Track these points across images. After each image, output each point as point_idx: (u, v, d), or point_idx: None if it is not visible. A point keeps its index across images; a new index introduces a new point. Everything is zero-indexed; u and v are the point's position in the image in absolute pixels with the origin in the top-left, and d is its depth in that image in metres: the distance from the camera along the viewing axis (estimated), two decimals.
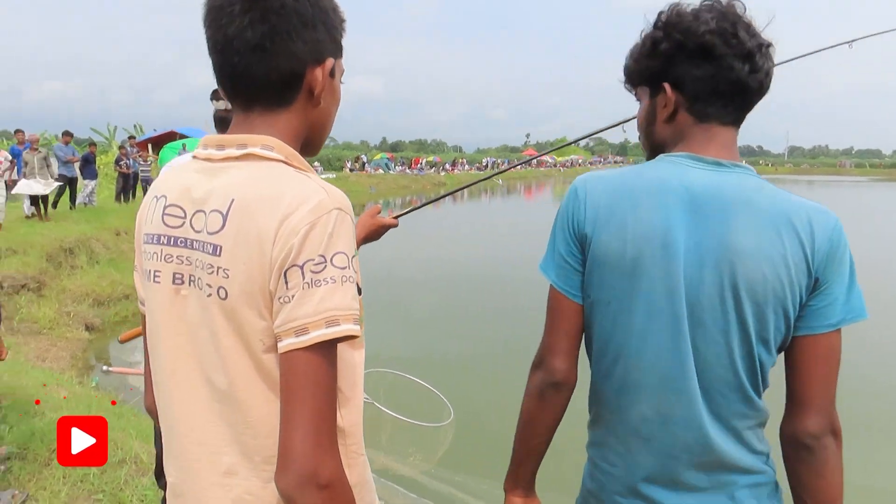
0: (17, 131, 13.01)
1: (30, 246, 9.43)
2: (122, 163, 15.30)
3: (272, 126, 0.94)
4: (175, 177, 0.98)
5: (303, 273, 0.83)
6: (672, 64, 1.10)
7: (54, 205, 12.61)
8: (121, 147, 16.63)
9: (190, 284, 0.93)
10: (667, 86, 1.11)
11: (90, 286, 9.40)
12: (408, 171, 42.73)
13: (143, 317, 1.07)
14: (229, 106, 1.87)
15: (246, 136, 0.92)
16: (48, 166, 11.78)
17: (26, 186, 11.13)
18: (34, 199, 11.55)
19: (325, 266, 0.84)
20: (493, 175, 2.68)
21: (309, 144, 1.01)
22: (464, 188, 2.22)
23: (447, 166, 50.41)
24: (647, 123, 1.18)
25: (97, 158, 14.85)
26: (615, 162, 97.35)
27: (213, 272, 0.89)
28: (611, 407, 1.16)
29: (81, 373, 7.13)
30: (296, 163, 0.93)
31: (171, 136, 28.69)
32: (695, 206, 1.06)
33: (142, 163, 16.28)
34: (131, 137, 18.18)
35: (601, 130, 1.96)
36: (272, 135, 0.93)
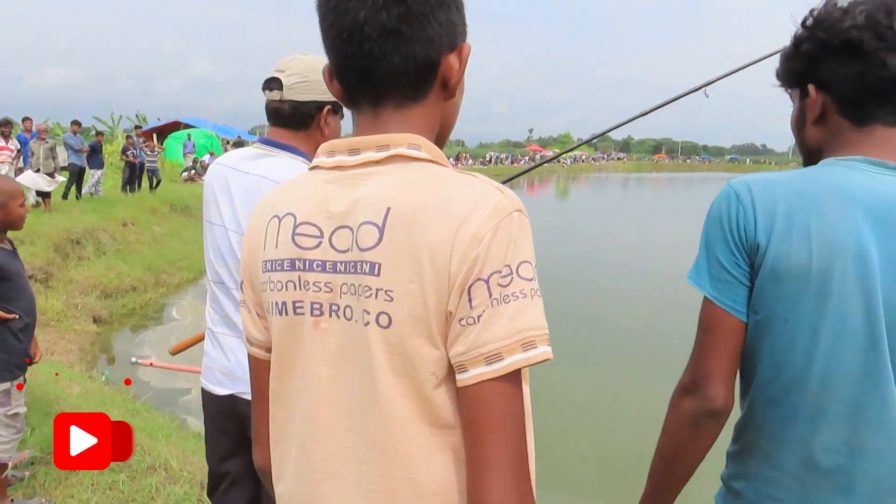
0: (24, 119, 12.87)
1: (37, 236, 9.30)
2: (128, 152, 15.12)
3: (406, 124, 0.80)
4: (299, 191, 0.84)
5: (489, 288, 0.70)
6: (816, 64, 1.03)
7: (64, 195, 12.48)
8: (128, 137, 16.47)
9: (331, 315, 0.79)
10: (811, 88, 1.04)
11: (97, 278, 9.29)
12: None
13: (253, 359, 0.92)
14: (284, 97, 1.75)
15: (386, 135, 0.78)
16: (54, 157, 11.63)
17: (31, 181, 10.95)
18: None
19: (513, 278, 0.71)
20: (551, 160, 2.58)
21: (437, 143, 0.86)
22: (527, 171, 2.06)
23: (451, 161, 50.14)
24: (798, 127, 1.11)
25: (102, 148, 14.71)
26: (618, 158, 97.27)
27: (371, 295, 0.74)
28: (776, 436, 1.03)
29: (90, 366, 7.03)
30: (444, 162, 0.79)
31: (175, 126, 28.59)
32: (885, 216, 0.95)
33: (148, 153, 16.11)
34: (137, 127, 18.05)
35: (679, 97, 1.83)
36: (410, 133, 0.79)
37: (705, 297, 1.05)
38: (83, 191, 13.30)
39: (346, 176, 0.80)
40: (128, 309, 9.11)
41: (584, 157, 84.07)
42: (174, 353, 2.32)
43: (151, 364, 5.07)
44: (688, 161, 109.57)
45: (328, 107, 1.71)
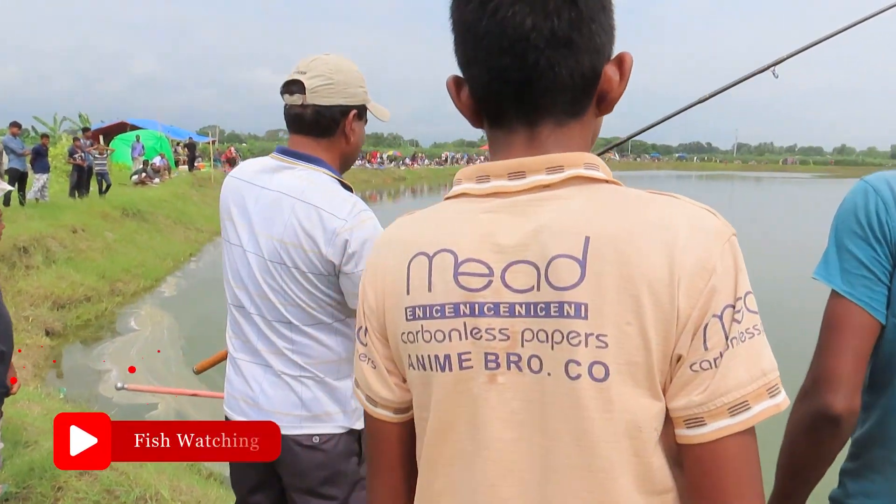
0: None
1: None
2: (76, 155, 14.45)
3: (566, 143, 0.70)
4: (450, 223, 0.72)
5: (723, 326, 0.62)
6: None
7: (6, 201, 11.82)
8: (75, 139, 15.73)
9: (510, 367, 0.67)
10: None
11: (48, 288, 8.84)
12: (367, 165, 42.10)
13: (377, 422, 0.79)
14: (307, 101, 1.61)
15: (555, 155, 0.68)
16: None
17: None
18: None
19: (744, 312, 0.63)
20: (623, 141, 2.23)
21: None
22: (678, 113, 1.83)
23: (407, 161, 50.04)
24: None
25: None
26: None
27: (579, 342, 0.63)
28: None
29: (46, 383, 6.65)
30: (620, 183, 0.70)
31: (121, 128, 27.51)
32: None
33: (97, 156, 15.42)
34: (86, 129, 17.27)
35: (748, 77, 1.72)
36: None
37: (833, 293, 0.98)
38: (27, 196, 12.64)
39: (513, 203, 0.69)
40: (82, 320, 8.69)
41: None
42: (198, 371, 2.12)
43: (140, 389, 4.77)
44: (637, 160, 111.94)
45: (354, 111, 1.58)
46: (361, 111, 1.62)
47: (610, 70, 0.70)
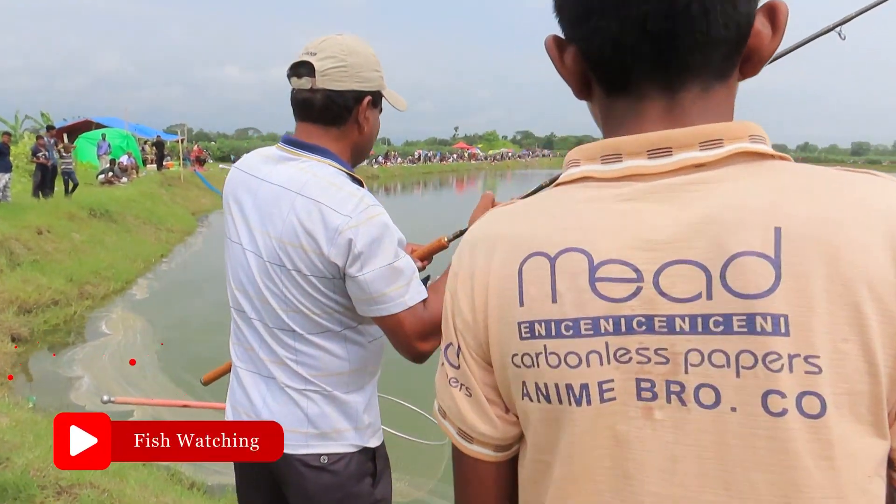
0: None
1: None
2: (40, 154, 13.94)
3: (711, 114, 0.57)
4: (574, 215, 0.58)
5: None
6: None
7: None
8: (38, 137, 15.20)
9: (670, 399, 0.53)
10: None
11: (13, 292, 8.49)
12: None
13: (474, 462, 0.66)
14: (316, 84, 1.46)
15: (713, 126, 0.55)
16: None
17: None
18: None
19: None
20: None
21: None
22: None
23: (380, 159, 49.73)
24: None
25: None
26: (543, 155, 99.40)
27: (781, 367, 0.49)
28: None
29: (14, 392, 6.35)
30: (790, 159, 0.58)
31: (86, 126, 26.75)
32: None
33: (63, 154, 14.92)
34: (50, 128, 16.68)
35: (812, 38, 1.60)
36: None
37: None
38: None
39: (661, 188, 0.55)
40: (50, 325, 8.35)
41: (509, 154, 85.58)
42: (206, 382, 1.96)
43: (129, 402, 4.51)
44: None
45: (368, 98, 1.43)
46: (376, 98, 1.47)
47: (759, 22, 0.57)
